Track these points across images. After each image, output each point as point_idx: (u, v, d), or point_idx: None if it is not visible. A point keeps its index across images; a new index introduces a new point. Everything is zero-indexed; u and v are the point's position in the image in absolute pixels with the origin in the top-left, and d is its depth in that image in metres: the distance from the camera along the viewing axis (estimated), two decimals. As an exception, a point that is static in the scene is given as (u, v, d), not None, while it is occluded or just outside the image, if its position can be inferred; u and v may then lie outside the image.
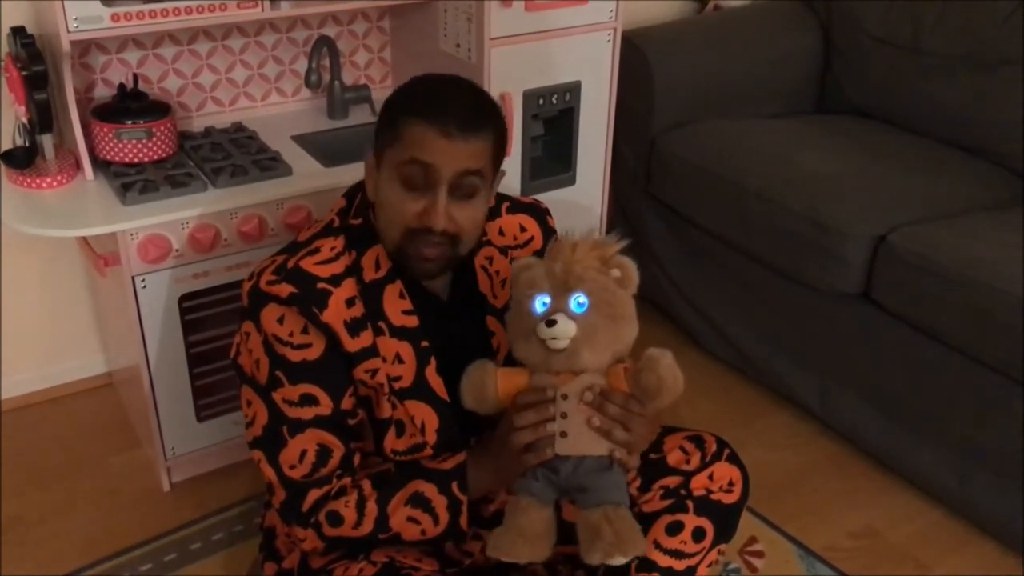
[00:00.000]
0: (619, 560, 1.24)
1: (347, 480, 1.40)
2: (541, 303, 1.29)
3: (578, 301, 1.27)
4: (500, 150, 1.40)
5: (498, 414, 1.37)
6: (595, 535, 1.25)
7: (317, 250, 1.40)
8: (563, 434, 1.29)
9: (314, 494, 1.39)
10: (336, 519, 1.38)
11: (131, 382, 2.15)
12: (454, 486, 1.37)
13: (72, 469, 2.20)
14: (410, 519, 1.38)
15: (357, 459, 1.43)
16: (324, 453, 1.38)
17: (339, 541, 1.41)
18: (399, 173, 1.34)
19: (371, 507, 1.38)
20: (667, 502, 1.45)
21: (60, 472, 2.19)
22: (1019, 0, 2.45)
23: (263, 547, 1.64)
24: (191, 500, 2.11)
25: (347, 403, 1.40)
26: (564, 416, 1.29)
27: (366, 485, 1.39)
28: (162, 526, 2.03)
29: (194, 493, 2.13)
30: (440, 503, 1.37)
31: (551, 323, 1.26)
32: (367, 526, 1.38)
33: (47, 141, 1.97)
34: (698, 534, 1.44)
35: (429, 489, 1.37)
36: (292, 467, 1.38)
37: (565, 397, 1.30)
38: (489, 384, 1.33)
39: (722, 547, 1.49)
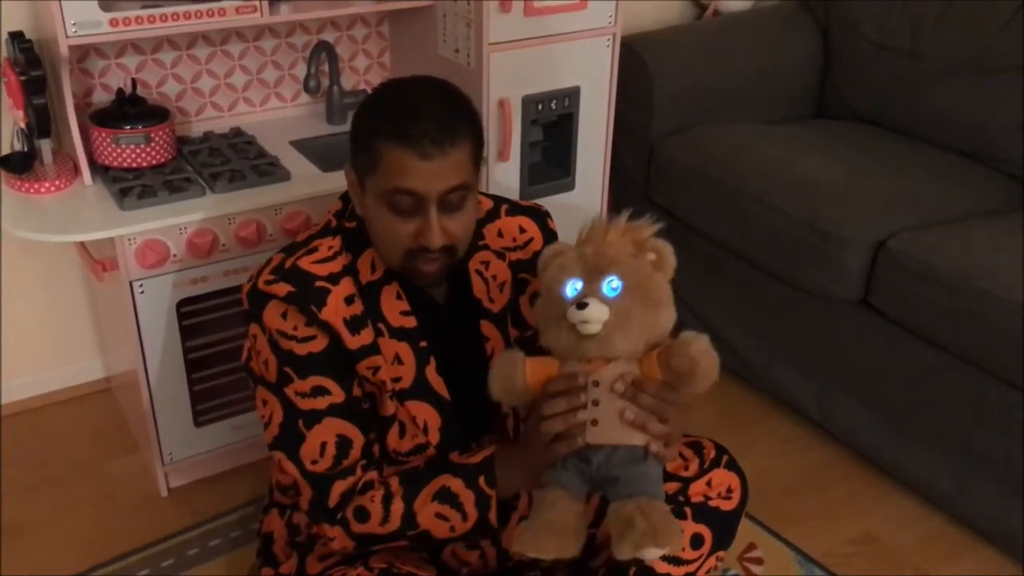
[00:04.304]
0: (653, 553, 1.20)
1: (373, 474, 1.39)
2: (572, 287, 1.24)
3: (611, 285, 1.22)
4: (478, 149, 1.37)
5: (504, 416, 1.35)
6: (627, 526, 1.20)
7: (315, 249, 1.40)
8: (594, 422, 1.24)
9: (339, 487, 1.38)
10: (363, 514, 1.37)
11: (129, 387, 2.15)
12: (481, 480, 1.35)
13: (70, 474, 2.20)
14: (438, 515, 1.36)
15: (377, 449, 1.42)
16: (344, 444, 1.37)
17: (368, 539, 1.40)
18: (385, 202, 1.32)
19: (398, 504, 1.36)
20: (665, 508, 1.45)
21: (58, 477, 2.18)
22: (1019, 4, 2.44)
23: (261, 552, 1.64)
24: (189, 505, 2.10)
25: (357, 391, 1.40)
26: (595, 404, 1.24)
27: (393, 481, 1.38)
28: (160, 531, 2.03)
29: (192, 498, 2.13)
30: (468, 498, 1.35)
31: (582, 305, 1.21)
32: (394, 523, 1.36)
33: (45, 146, 1.97)
34: (696, 541, 1.43)
35: (456, 484, 1.35)
36: (314, 461, 1.37)
37: (596, 384, 1.24)
38: (518, 373, 1.28)
39: (721, 554, 1.49)
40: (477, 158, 1.37)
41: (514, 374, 1.28)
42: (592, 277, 1.23)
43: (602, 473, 1.25)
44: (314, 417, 1.37)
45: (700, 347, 1.21)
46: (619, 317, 1.22)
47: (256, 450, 2.17)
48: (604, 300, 1.22)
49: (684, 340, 1.22)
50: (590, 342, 1.23)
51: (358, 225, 1.43)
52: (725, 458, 1.51)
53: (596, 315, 1.21)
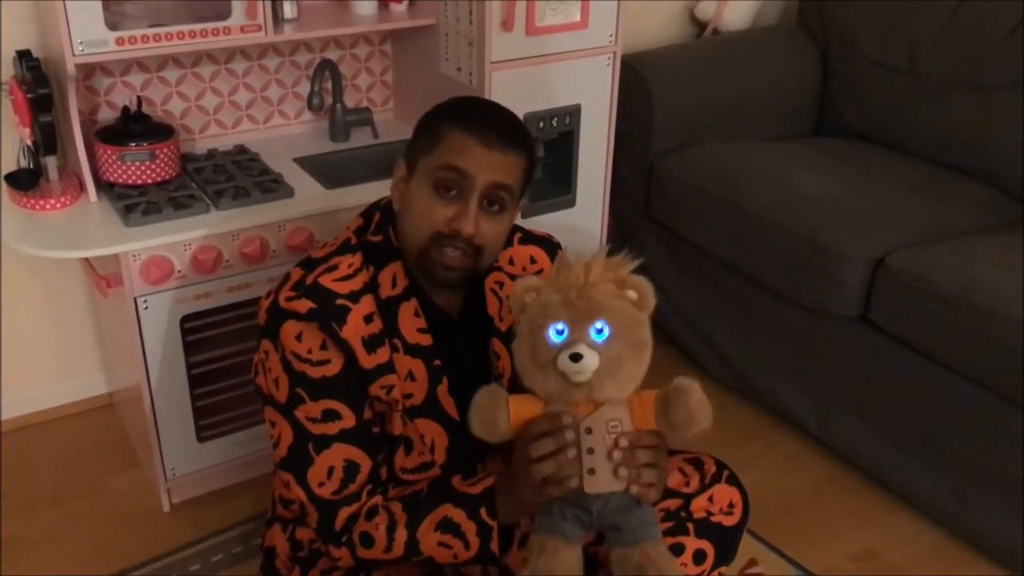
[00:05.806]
0: None
1: (378, 499, 1.40)
2: (556, 332, 1.21)
3: (598, 329, 1.20)
4: (529, 176, 1.43)
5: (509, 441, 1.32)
6: (638, 573, 1.24)
7: (335, 267, 1.40)
8: (591, 471, 1.23)
9: (344, 512, 1.39)
10: (368, 541, 1.39)
11: (132, 402, 2.16)
12: (483, 512, 1.35)
13: (72, 489, 2.20)
14: (441, 544, 1.37)
15: (384, 472, 1.43)
16: (351, 469, 1.38)
17: (373, 562, 1.42)
18: (433, 178, 1.36)
19: (401, 532, 1.37)
20: (667, 524, 1.45)
21: (60, 492, 2.19)
22: (1017, 21, 2.46)
23: (263, 567, 1.64)
24: (191, 521, 2.11)
25: (368, 414, 1.41)
26: (591, 452, 1.22)
27: (396, 508, 1.39)
28: (162, 547, 2.03)
29: (194, 514, 2.13)
30: (470, 528, 1.36)
31: (576, 357, 1.18)
32: (398, 550, 1.38)
33: (51, 163, 1.98)
34: (699, 557, 1.44)
35: (458, 515, 1.36)
36: (321, 484, 1.39)
37: (590, 431, 1.23)
38: (501, 414, 1.26)
39: (722, 569, 1.49)
40: (526, 181, 1.43)
41: (497, 414, 1.26)
42: (578, 323, 1.20)
43: (603, 521, 1.27)
44: (324, 442, 1.37)
45: (698, 398, 1.22)
46: (609, 364, 1.20)
47: (258, 466, 2.18)
48: (592, 346, 1.20)
49: (682, 390, 1.22)
50: (580, 388, 1.22)
51: (384, 239, 1.44)
52: (726, 473, 1.51)
53: (589, 366, 1.19)
